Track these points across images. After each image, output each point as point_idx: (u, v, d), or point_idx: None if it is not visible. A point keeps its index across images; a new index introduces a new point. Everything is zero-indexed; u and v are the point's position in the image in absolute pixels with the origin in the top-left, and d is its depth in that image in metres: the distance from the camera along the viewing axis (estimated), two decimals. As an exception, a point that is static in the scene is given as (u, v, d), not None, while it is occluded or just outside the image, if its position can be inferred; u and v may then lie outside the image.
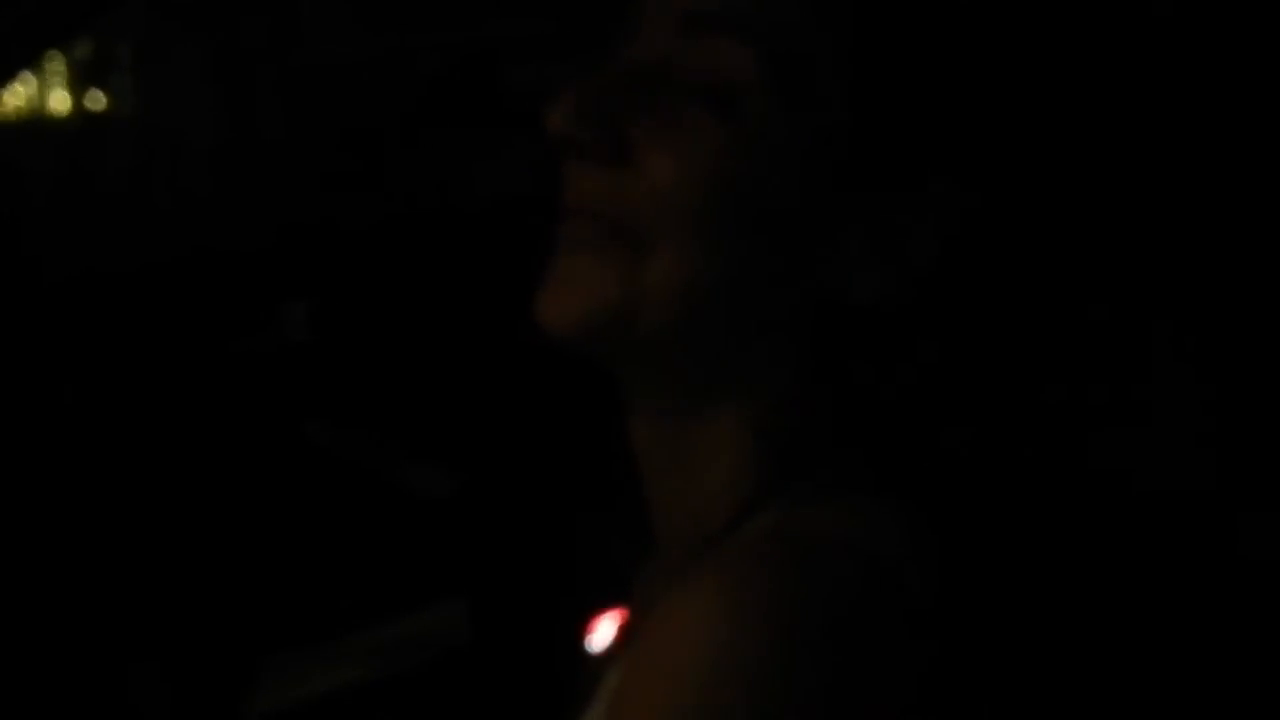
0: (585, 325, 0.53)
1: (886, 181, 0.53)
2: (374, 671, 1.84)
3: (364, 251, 2.51)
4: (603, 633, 1.36)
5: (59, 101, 2.58)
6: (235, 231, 2.56)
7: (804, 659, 0.43)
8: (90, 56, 2.58)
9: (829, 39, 0.51)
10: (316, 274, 2.52)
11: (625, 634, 0.65)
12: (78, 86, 2.58)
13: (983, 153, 0.54)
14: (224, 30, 2.60)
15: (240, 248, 2.51)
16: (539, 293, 0.55)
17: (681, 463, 0.56)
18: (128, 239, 2.54)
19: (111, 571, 1.86)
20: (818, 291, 0.53)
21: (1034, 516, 0.56)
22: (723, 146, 0.51)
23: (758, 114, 0.51)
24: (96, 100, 2.60)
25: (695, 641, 0.44)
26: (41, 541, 1.82)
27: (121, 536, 1.92)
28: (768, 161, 0.51)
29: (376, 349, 2.41)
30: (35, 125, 2.56)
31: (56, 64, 2.54)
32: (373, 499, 2.13)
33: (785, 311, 0.54)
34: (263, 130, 2.62)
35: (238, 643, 1.84)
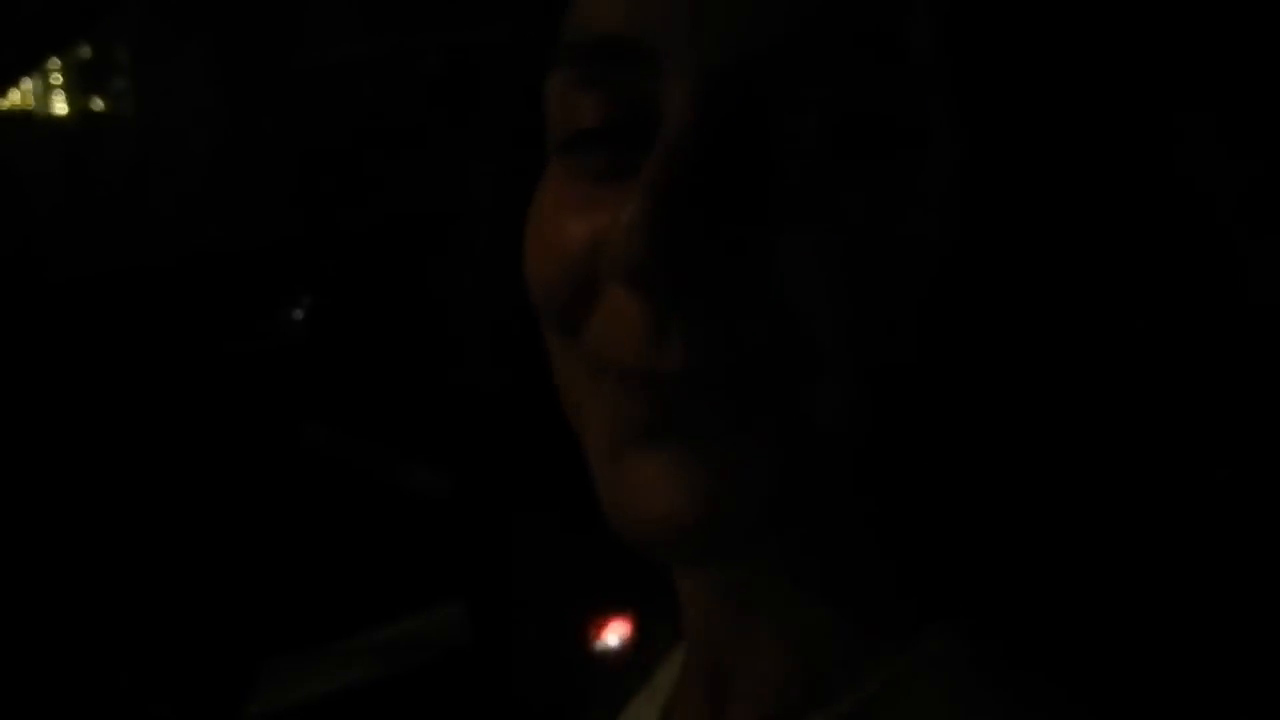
0: (720, 532, 0.38)
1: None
2: (374, 673, 1.84)
3: (361, 253, 2.51)
4: (611, 637, 1.36)
5: (58, 103, 2.58)
6: (234, 233, 2.56)
7: None
8: (89, 58, 2.58)
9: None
10: (314, 276, 2.52)
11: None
12: (77, 88, 2.58)
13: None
14: (223, 31, 2.60)
15: (238, 249, 2.51)
16: (616, 488, 0.39)
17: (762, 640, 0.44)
18: (126, 240, 2.54)
19: (109, 574, 1.86)
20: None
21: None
22: (899, 209, 0.37)
23: (930, 154, 0.37)
24: (95, 102, 2.60)
25: None
26: (37, 543, 1.82)
27: (119, 539, 1.91)
28: (949, 219, 0.37)
29: (374, 350, 2.41)
30: (35, 126, 2.56)
31: (56, 66, 2.54)
32: (371, 500, 2.13)
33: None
34: (262, 132, 2.62)
35: (237, 645, 1.84)
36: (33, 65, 2.38)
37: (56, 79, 2.56)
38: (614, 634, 1.36)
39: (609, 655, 1.33)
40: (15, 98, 2.53)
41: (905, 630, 0.41)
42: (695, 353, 0.37)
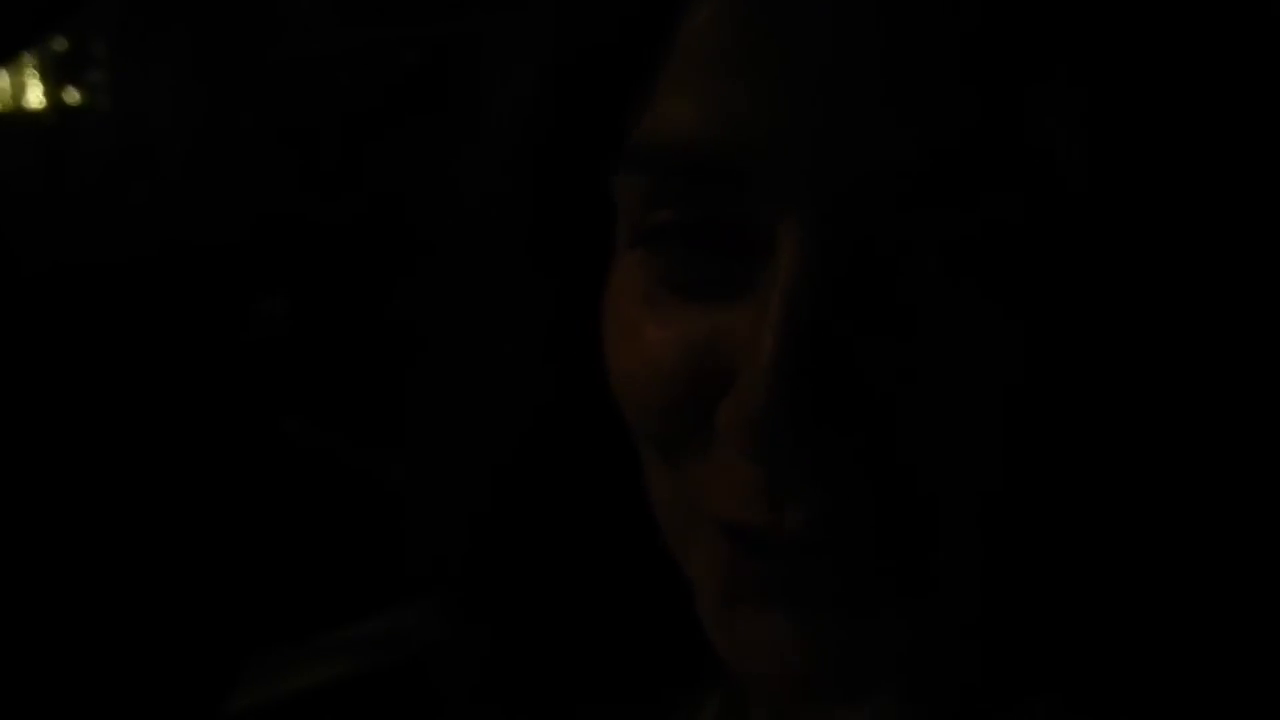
0: (847, 692, 0.37)
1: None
2: (356, 668, 1.83)
3: (342, 246, 2.50)
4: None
5: (34, 96, 2.56)
6: (212, 226, 2.55)
7: None
8: (66, 51, 2.56)
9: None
10: (294, 269, 2.51)
11: None
12: (53, 81, 2.56)
13: None
14: (201, 24, 2.59)
15: (218, 242, 2.50)
16: (731, 638, 0.37)
17: None
18: (104, 233, 2.52)
19: (84, 569, 1.85)
20: None
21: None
22: (1024, 351, 0.33)
23: (1069, 290, 0.33)
24: (72, 94, 2.58)
25: None
26: (12, 538, 1.81)
27: (95, 533, 1.91)
28: (1077, 359, 0.34)
29: (355, 344, 2.40)
30: (10, 120, 2.54)
31: (31, 59, 2.52)
32: (353, 495, 2.12)
33: None
34: (240, 124, 2.61)
35: (218, 640, 1.83)
36: (6, 58, 2.36)
37: (32, 72, 2.54)
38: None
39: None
40: (-10, 91, 2.51)
41: (1005, 702, 0.40)
42: (814, 516, 0.34)
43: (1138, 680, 0.38)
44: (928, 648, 0.37)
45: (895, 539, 0.35)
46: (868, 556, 0.35)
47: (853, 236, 0.33)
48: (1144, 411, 0.35)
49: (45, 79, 2.55)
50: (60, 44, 2.54)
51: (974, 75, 0.32)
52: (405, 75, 2.59)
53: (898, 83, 0.32)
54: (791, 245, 0.33)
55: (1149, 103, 0.34)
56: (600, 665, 0.49)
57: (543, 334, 0.43)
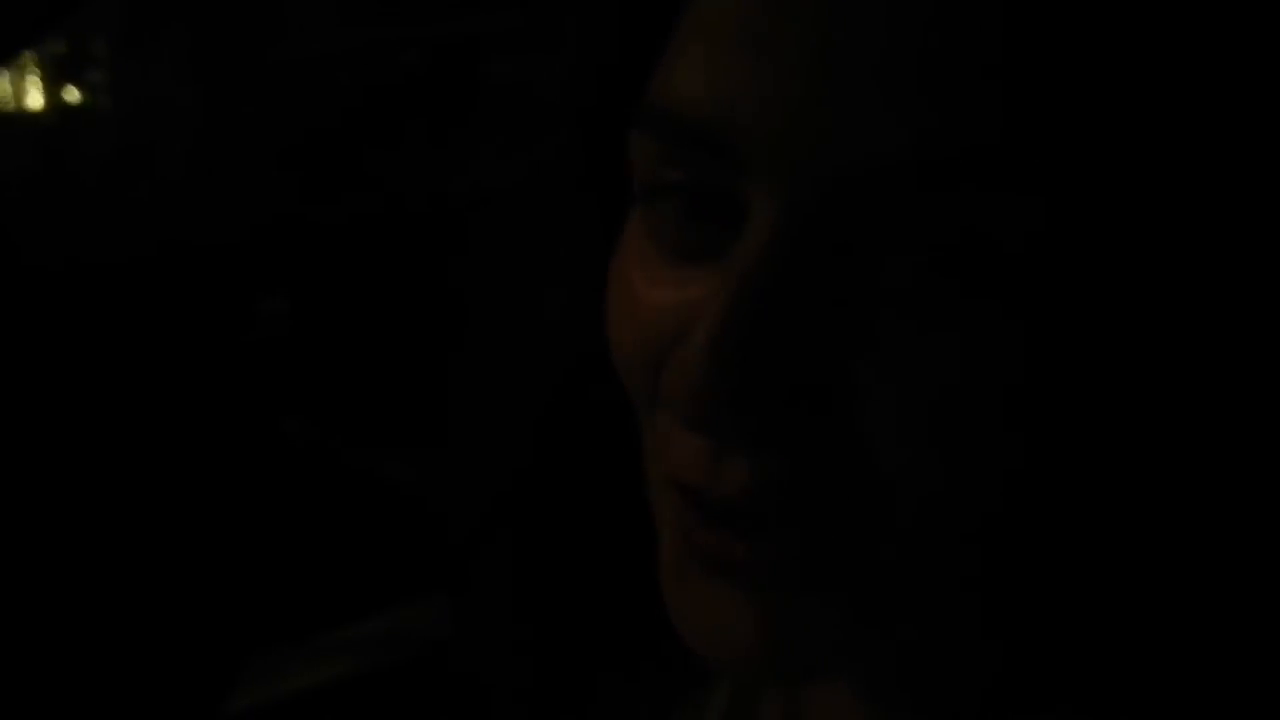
0: (786, 669, 0.38)
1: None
2: (356, 667, 1.83)
3: (343, 246, 2.50)
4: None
5: (34, 96, 2.56)
6: (213, 225, 2.55)
7: None
8: (66, 50, 2.56)
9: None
10: (295, 268, 2.51)
11: None
12: (53, 81, 2.56)
13: None
14: (201, 24, 2.59)
15: (218, 242, 2.50)
16: (680, 604, 0.38)
17: None
18: (105, 233, 2.52)
19: (84, 569, 1.85)
20: None
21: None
22: (996, 355, 0.33)
23: (1047, 299, 0.33)
24: (72, 94, 2.58)
25: None
26: (9, 537, 1.81)
27: (94, 533, 1.90)
28: (1053, 367, 0.34)
29: (355, 344, 2.40)
30: (10, 120, 2.54)
31: (32, 58, 2.52)
32: (353, 494, 2.12)
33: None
34: (241, 124, 2.61)
35: (217, 640, 1.83)
36: (6, 58, 2.36)
37: (32, 72, 2.54)
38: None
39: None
40: (-10, 91, 2.51)
41: (1024, 713, 0.39)
42: (753, 483, 0.34)
43: (1148, 692, 0.37)
44: (874, 635, 0.37)
45: (845, 522, 0.35)
46: (815, 536, 0.35)
47: (828, 223, 0.33)
48: (1138, 415, 0.35)
49: (45, 79, 2.55)
50: (60, 44, 2.54)
51: (984, 79, 0.31)
52: (406, 75, 2.59)
53: (897, 81, 0.31)
54: (761, 224, 0.33)
55: (1170, 114, 0.33)
56: (619, 646, 0.50)
57: (589, 284, 0.42)
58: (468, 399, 0.52)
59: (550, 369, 0.47)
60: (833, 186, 0.32)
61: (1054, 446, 0.34)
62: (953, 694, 0.41)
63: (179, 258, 2.44)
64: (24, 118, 2.55)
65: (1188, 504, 0.36)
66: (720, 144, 0.34)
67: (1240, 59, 0.33)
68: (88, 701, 1.69)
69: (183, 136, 2.60)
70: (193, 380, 2.27)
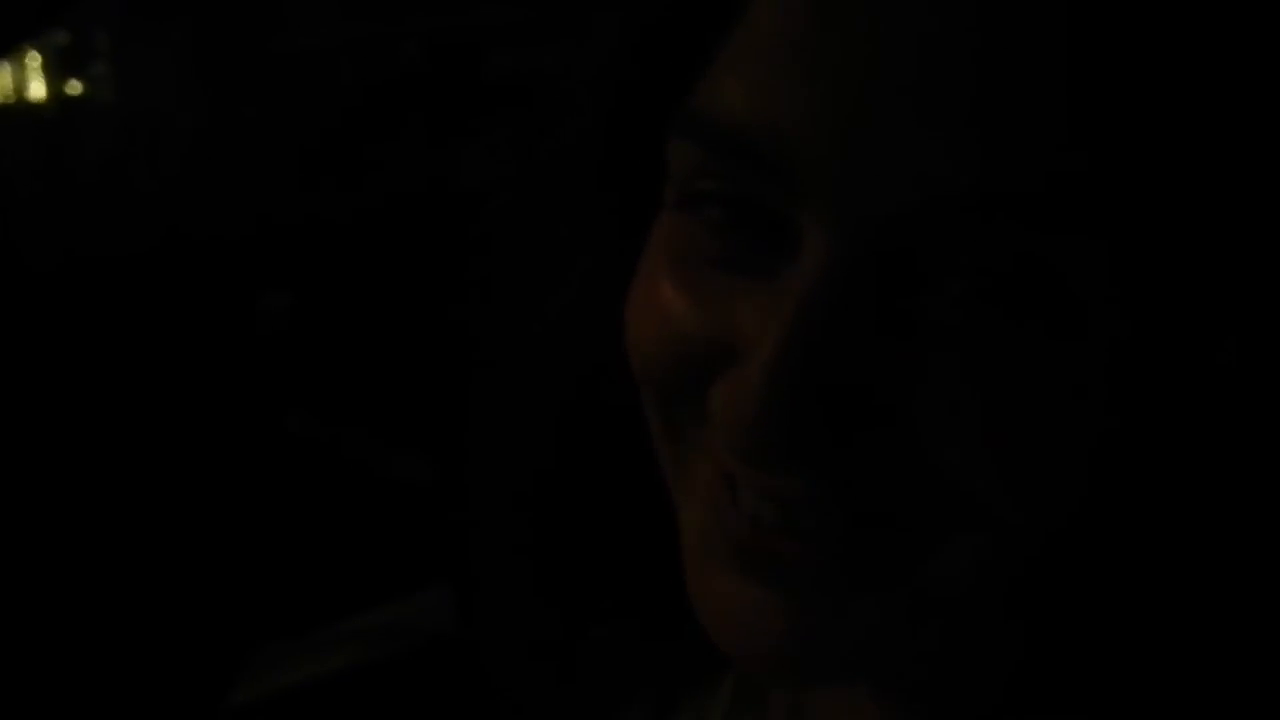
0: (810, 672, 0.37)
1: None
2: (359, 659, 1.84)
3: (344, 241, 2.50)
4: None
5: (37, 89, 2.57)
6: (215, 220, 2.55)
7: None
8: (68, 43, 2.56)
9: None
10: (297, 263, 2.51)
11: None
12: (56, 74, 2.56)
13: None
14: (203, 17, 2.59)
15: (220, 236, 2.50)
16: (704, 599, 0.37)
17: None
18: (107, 227, 2.53)
19: (91, 563, 1.86)
20: None
21: None
22: (1054, 381, 0.33)
23: (1104, 329, 0.32)
24: (74, 87, 2.58)
25: None
26: (16, 532, 1.82)
27: (101, 527, 1.91)
28: (1110, 394, 0.34)
29: (358, 337, 2.41)
30: (13, 112, 2.55)
31: (34, 51, 2.52)
32: (355, 488, 2.12)
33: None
34: (243, 117, 2.61)
35: (222, 633, 1.84)
36: (8, 51, 2.36)
37: (34, 64, 2.55)
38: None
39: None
40: (-7, 84, 2.52)
41: (1037, 713, 0.39)
42: (810, 494, 0.34)
43: (1161, 696, 0.37)
44: (902, 640, 0.36)
45: (889, 540, 0.35)
46: (852, 545, 0.35)
47: (884, 253, 0.32)
48: (1188, 433, 0.35)
49: (48, 72, 2.55)
50: (62, 37, 2.54)
51: (1047, 114, 0.31)
52: (407, 69, 2.59)
53: (956, 113, 0.31)
54: (817, 251, 0.33)
55: (1230, 147, 0.32)
56: (630, 646, 0.49)
57: (608, 284, 0.42)
58: (486, 400, 0.52)
59: (570, 369, 0.46)
60: (890, 217, 0.32)
61: (1106, 463, 0.34)
62: (967, 694, 0.41)
63: (181, 251, 2.45)
64: (26, 110, 2.55)
65: (1221, 517, 0.36)
66: (770, 164, 0.33)
67: None
68: (92, 694, 1.69)
69: (184, 130, 2.60)
70: (195, 374, 2.27)
